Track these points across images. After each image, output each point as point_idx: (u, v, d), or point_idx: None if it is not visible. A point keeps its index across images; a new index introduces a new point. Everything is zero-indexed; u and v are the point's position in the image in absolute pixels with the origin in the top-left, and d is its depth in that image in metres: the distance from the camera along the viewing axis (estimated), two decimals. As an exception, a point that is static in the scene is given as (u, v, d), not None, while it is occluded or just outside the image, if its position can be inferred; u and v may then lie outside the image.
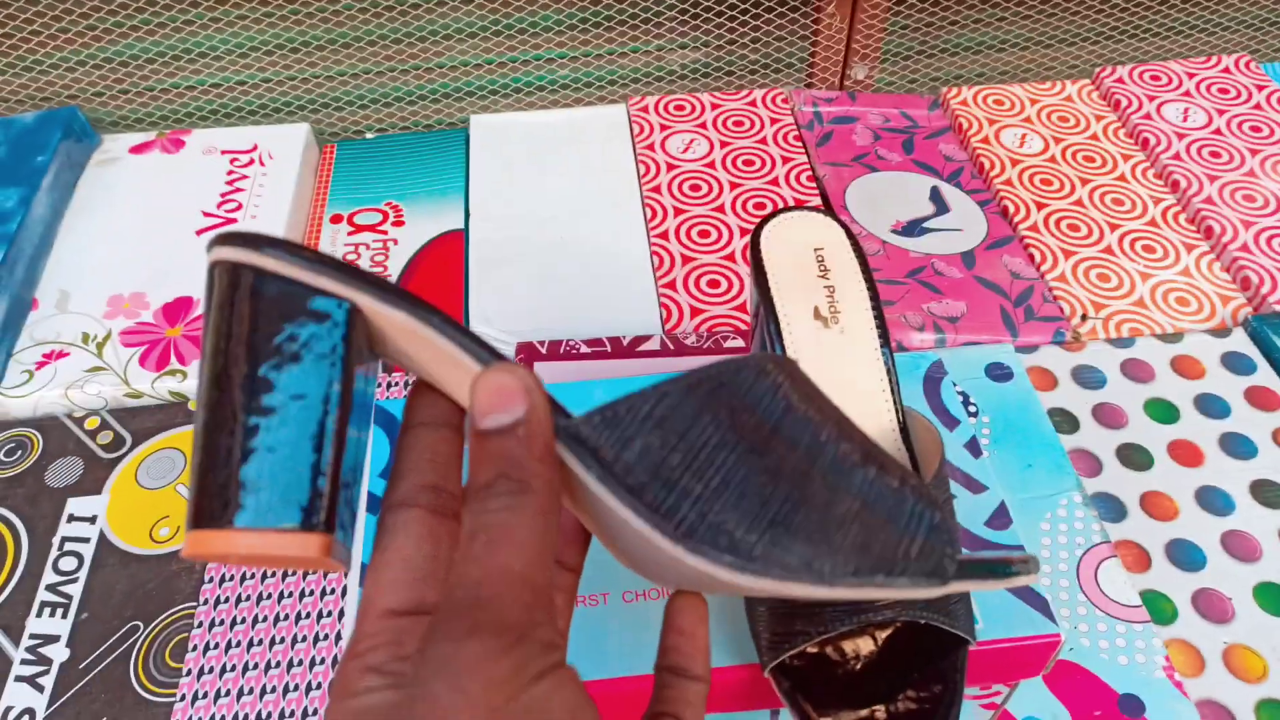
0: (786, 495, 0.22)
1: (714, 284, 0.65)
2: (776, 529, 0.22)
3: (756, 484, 0.22)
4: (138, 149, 0.74)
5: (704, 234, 0.69)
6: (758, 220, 0.45)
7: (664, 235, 0.69)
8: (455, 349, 0.22)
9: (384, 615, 0.22)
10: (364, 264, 0.67)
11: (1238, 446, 0.55)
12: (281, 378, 0.21)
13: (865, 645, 0.37)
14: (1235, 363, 0.59)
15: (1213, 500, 0.53)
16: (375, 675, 0.21)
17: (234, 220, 0.68)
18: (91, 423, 0.56)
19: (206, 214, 0.69)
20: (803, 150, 0.76)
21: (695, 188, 0.73)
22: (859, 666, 0.36)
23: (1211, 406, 0.57)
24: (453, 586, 0.20)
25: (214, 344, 0.21)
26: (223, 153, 0.74)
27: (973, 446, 0.44)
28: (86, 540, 0.51)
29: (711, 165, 0.74)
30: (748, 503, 0.22)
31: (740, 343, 0.59)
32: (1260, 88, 0.79)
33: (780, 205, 0.71)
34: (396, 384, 0.58)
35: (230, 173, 0.72)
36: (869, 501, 0.23)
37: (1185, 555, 0.50)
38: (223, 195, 0.70)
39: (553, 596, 0.22)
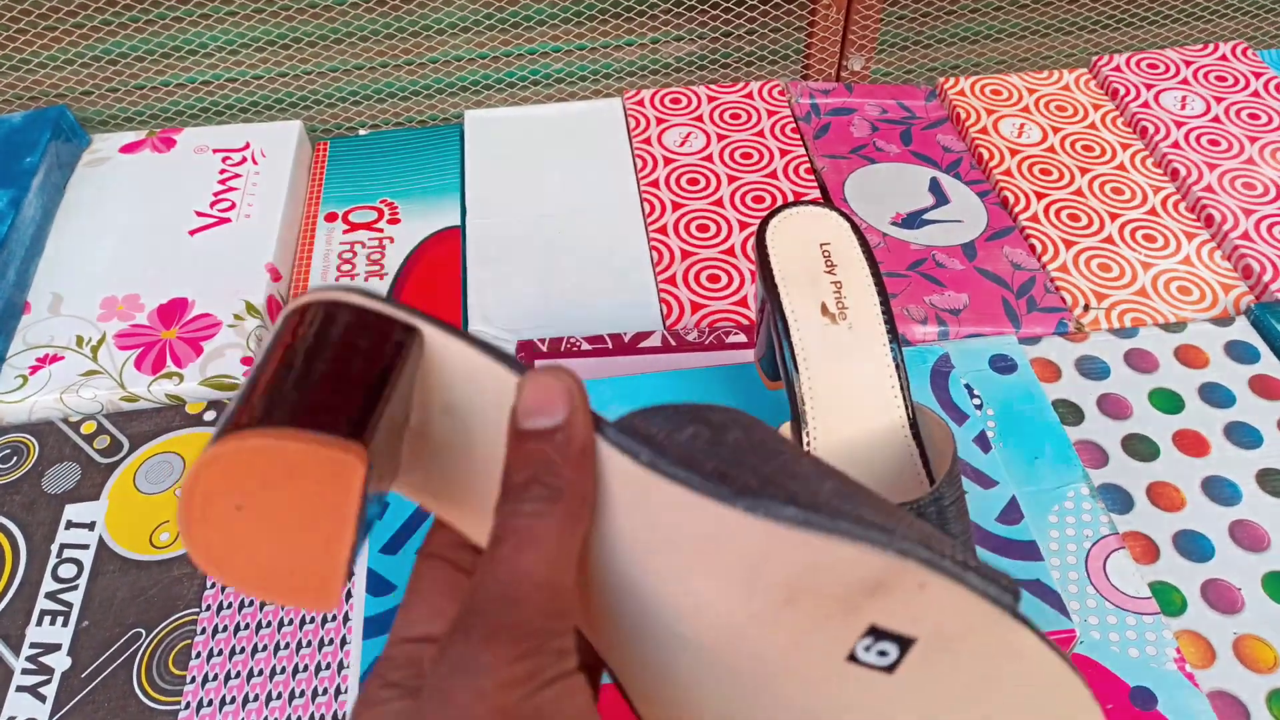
0: (843, 480, 0.22)
1: (714, 279, 0.65)
2: (840, 496, 0.21)
3: (814, 468, 0.22)
4: (128, 148, 0.73)
5: (703, 228, 0.69)
6: (757, 214, 0.44)
7: (662, 230, 0.68)
8: (498, 365, 0.22)
9: (404, 642, 0.23)
10: (360, 262, 0.66)
11: (1243, 435, 0.55)
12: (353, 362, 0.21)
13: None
14: (1238, 351, 0.59)
15: (1219, 490, 0.53)
16: (393, 689, 0.22)
17: (227, 220, 0.68)
18: (88, 427, 0.55)
19: (199, 214, 0.68)
20: (800, 143, 0.75)
21: (693, 181, 0.72)
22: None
23: (1216, 396, 0.57)
24: (477, 586, 0.21)
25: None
26: (214, 151, 0.73)
27: (981, 441, 0.44)
28: (86, 547, 0.50)
29: (709, 159, 0.74)
30: (808, 478, 0.21)
31: (742, 338, 0.58)
32: (1258, 75, 0.79)
33: (779, 198, 0.71)
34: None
35: (222, 171, 0.71)
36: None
37: (1193, 545, 0.50)
38: (215, 194, 0.70)
39: (574, 601, 0.22)
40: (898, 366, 0.40)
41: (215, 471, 0.19)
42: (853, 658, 0.21)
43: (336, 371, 0.21)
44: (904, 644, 0.20)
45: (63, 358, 0.59)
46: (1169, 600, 0.48)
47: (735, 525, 0.20)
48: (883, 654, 0.20)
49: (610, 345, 0.58)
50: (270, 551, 0.20)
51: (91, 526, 0.51)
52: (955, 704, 0.21)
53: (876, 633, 0.20)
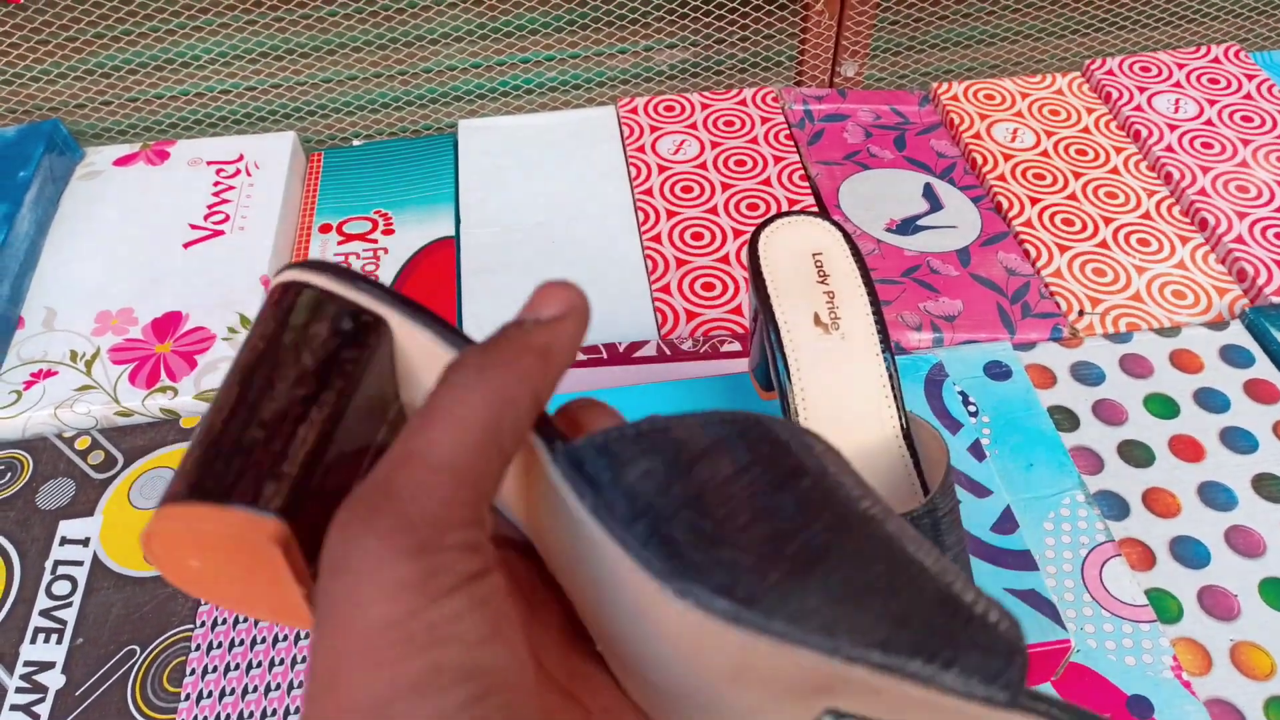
0: (808, 541, 0.18)
1: (709, 287, 0.65)
2: (790, 575, 0.18)
3: (771, 527, 0.19)
4: (122, 161, 0.73)
5: (697, 236, 0.68)
6: (751, 221, 0.44)
7: (657, 238, 0.68)
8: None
9: None
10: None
11: (1238, 440, 0.55)
12: (303, 378, 0.21)
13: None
14: (1233, 356, 0.59)
15: (1215, 495, 0.53)
16: None
17: (221, 232, 0.68)
18: (82, 443, 0.55)
19: (194, 226, 0.68)
20: (794, 149, 0.75)
21: (687, 189, 0.72)
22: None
23: (1211, 401, 0.57)
24: (373, 473, 0.18)
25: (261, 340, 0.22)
26: (208, 163, 0.73)
27: (976, 450, 0.44)
28: (80, 563, 0.50)
29: (703, 166, 0.74)
30: (758, 545, 0.18)
31: (737, 346, 0.58)
32: (1250, 77, 0.79)
33: (773, 206, 0.71)
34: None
35: (216, 183, 0.71)
36: (914, 573, 0.18)
37: (1189, 552, 0.50)
38: (209, 207, 0.69)
39: (487, 493, 0.18)
40: (891, 376, 0.40)
41: (157, 542, 0.20)
42: None
43: (276, 416, 0.20)
44: None
45: (56, 373, 0.59)
46: (1165, 608, 0.48)
47: (667, 605, 0.18)
48: None
49: (605, 355, 0.58)
50: (239, 588, 0.21)
51: (86, 543, 0.51)
52: None
53: (838, 714, 0.18)
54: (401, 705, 0.16)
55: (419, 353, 0.22)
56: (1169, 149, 0.73)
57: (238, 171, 0.72)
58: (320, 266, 0.22)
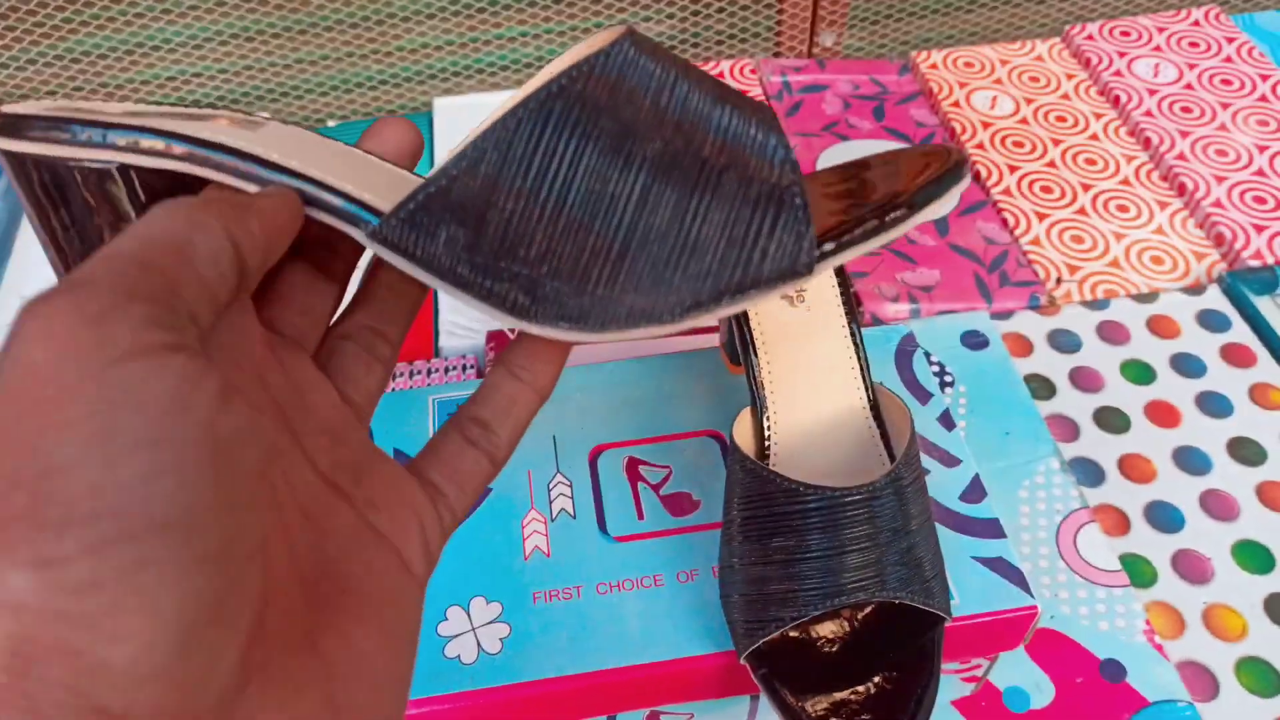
0: (609, 247, 0.22)
1: (686, 262, 0.65)
2: (604, 287, 0.22)
3: (574, 246, 0.22)
4: (94, 147, 0.73)
5: (674, 211, 0.68)
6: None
7: (634, 214, 0.68)
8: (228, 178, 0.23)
9: None
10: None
11: (1214, 405, 0.55)
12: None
13: (841, 628, 0.36)
14: (1211, 320, 0.59)
15: (1190, 460, 0.53)
16: None
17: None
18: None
19: (167, 211, 0.68)
20: (772, 121, 0.74)
21: (664, 164, 0.72)
22: (835, 649, 0.36)
23: (1188, 366, 0.57)
24: None
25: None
26: (182, 147, 0.72)
27: (945, 420, 0.44)
28: None
29: (680, 140, 0.73)
30: (570, 269, 0.22)
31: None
32: (1230, 40, 0.78)
33: (751, 179, 0.70)
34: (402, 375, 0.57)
35: (190, 168, 0.71)
36: (704, 215, 0.22)
37: (1164, 517, 0.50)
38: (183, 191, 0.69)
39: (183, 282, 0.18)
40: (857, 348, 0.40)
41: None
42: None
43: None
44: None
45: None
46: (1139, 572, 0.48)
47: (519, 325, 0.23)
48: None
49: (580, 333, 0.57)
50: None
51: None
52: None
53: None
54: (75, 471, 0.15)
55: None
56: (1148, 114, 0.72)
57: (211, 155, 0.72)
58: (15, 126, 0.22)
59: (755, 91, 0.77)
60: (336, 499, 0.22)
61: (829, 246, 0.22)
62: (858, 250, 0.22)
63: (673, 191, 0.22)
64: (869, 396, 0.39)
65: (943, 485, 0.42)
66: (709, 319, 0.21)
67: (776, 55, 0.83)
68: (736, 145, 0.22)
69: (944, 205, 0.24)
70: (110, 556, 0.15)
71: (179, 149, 0.22)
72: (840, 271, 0.41)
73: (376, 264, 0.26)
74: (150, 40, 0.74)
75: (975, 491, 0.41)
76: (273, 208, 0.22)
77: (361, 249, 0.25)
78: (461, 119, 0.75)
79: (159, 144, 0.22)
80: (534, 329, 0.22)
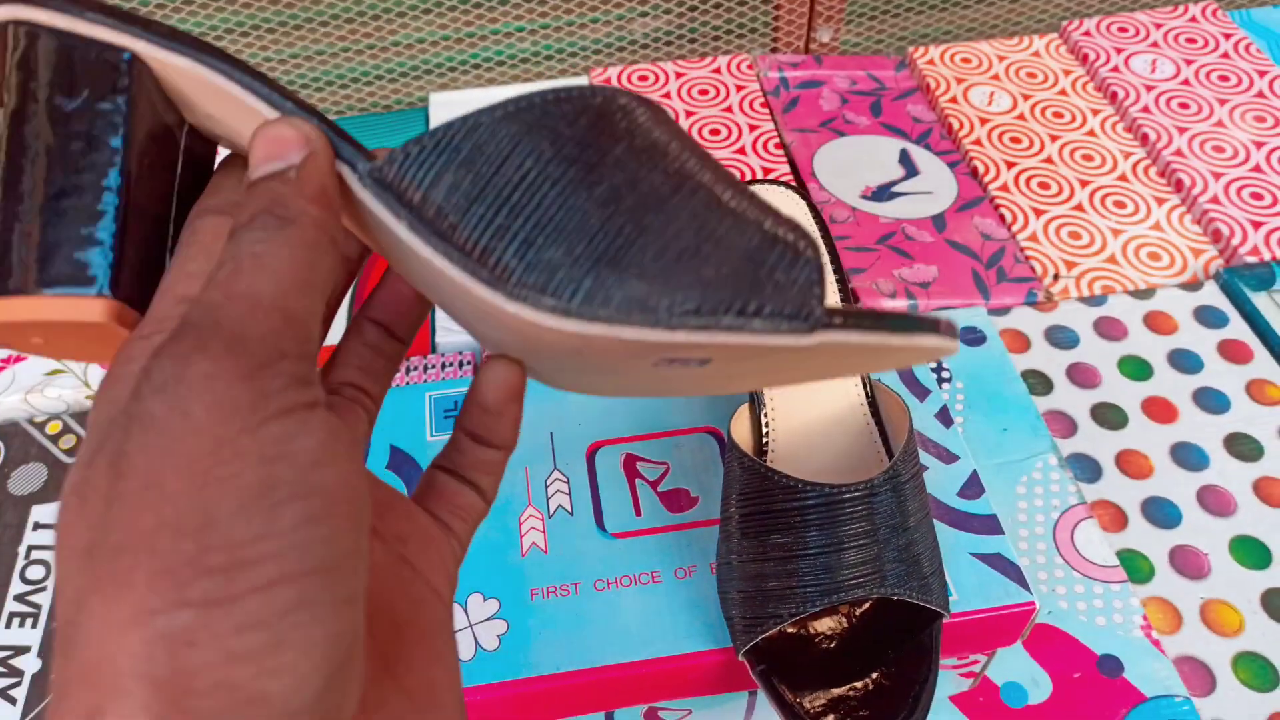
0: (620, 227, 0.20)
1: (683, 258, 0.65)
2: (605, 265, 0.19)
3: (583, 216, 0.20)
4: (89, 142, 0.72)
5: (672, 207, 0.68)
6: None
7: (631, 210, 0.68)
8: (245, 94, 0.21)
9: (181, 300, 0.20)
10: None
11: (1211, 401, 0.55)
12: (73, 144, 0.21)
13: (839, 624, 0.36)
14: (1207, 316, 0.59)
15: (1187, 456, 0.53)
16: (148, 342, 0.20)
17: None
18: (54, 427, 0.55)
19: (163, 207, 0.67)
20: (769, 117, 0.74)
21: (661, 160, 0.71)
22: (833, 646, 0.36)
23: (1184, 362, 0.57)
24: (193, 304, 0.18)
25: (11, 108, 0.22)
26: (177, 143, 0.72)
27: (943, 416, 0.44)
28: (54, 548, 0.50)
29: (677, 136, 0.73)
30: (573, 238, 0.19)
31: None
32: (1227, 36, 0.78)
33: (749, 174, 0.70)
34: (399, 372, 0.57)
35: (185, 163, 0.70)
36: (722, 232, 0.20)
37: (1161, 513, 0.50)
38: (179, 187, 0.69)
39: (315, 335, 0.19)
40: (856, 344, 0.40)
41: None
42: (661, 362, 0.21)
43: (62, 191, 0.21)
44: (704, 360, 0.21)
45: (25, 358, 0.58)
46: (1136, 568, 0.48)
47: (502, 308, 0.20)
48: (685, 364, 0.21)
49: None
50: (79, 346, 0.23)
51: (59, 527, 0.51)
52: (778, 370, 0.22)
53: (673, 360, 0.21)
54: (232, 520, 0.16)
55: (183, 79, 0.22)
56: (1145, 110, 0.72)
57: (207, 151, 0.71)
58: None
59: (752, 87, 0.77)
60: (375, 538, 0.22)
61: (838, 320, 0.19)
62: (864, 336, 0.19)
63: (703, 195, 0.20)
64: (867, 393, 0.39)
65: (941, 481, 0.42)
66: (702, 337, 0.19)
67: (773, 51, 0.83)
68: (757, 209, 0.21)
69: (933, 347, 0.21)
70: (274, 598, 0.16)
71: (189, 49, 0.21)
72: (839, 268, 0.41)
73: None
74: (145, 35, 0.73)
75: (973, 487, 0.41)
76: (328, 171, 0.21)
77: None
78: (458, 114, 0.75)
79: (173, 44, 0.21)
80: (510, 306, 0.20)
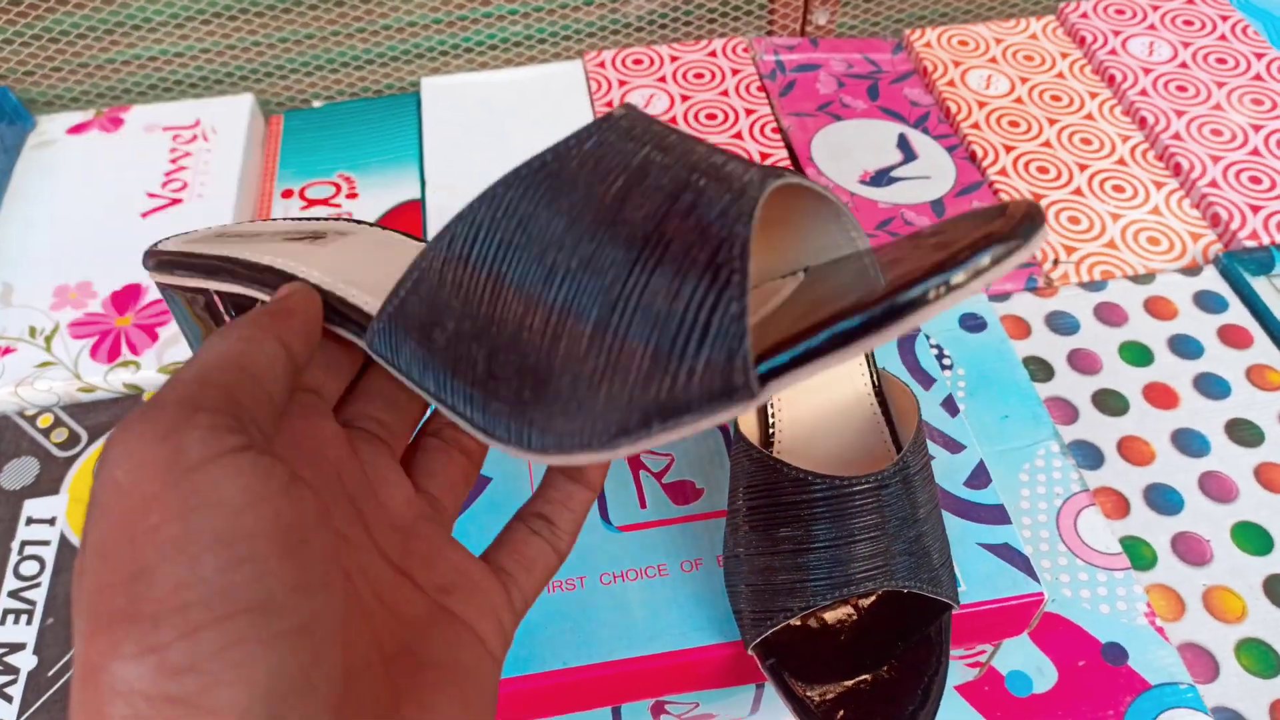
0: (535, 366, 0.21)
1: (681, 244, 0.64)
2: (536, 408, 0.21)
3: (507, 363, 0.22)
4: (75, 129, 0.71)
5: (669, 193, 0.67)
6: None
7: (628, 196, 0.67)
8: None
9: None
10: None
11: (1212, 386, 0.55)
12: None
13: (848, 617, 0.36)
14: (1207, 301, 0.59)
15: (1189, 442, 0.53)
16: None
17: (180, 200, 0.66)
18: (45, 420, 0.54)
19: (151, 195, 0.66)
20: (766, 101, 0.74)
21: (658, 145, 0.71)
22: (843, 638, 0.36)
23: (1185, 347, 0.57)
24: None
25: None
26: (164, 129, 0.71)
27: (949, 405, 0.44)
28: (47, 543, 0.49)
29: (673, 120, 0.72)
30: (502, 389, 0.22)
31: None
32: (1225, 18, 0.78)
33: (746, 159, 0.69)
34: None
35: (173, 150, 0.69)
36: (623, 338, 0.19)
37: (1163, 499, 0.50)
38: (167, 174, 0.68)
39: (246, 388, 0.21)
40: (862, 334, 0.40)
41: None
42: None
43: None
44: None
45: (15, 350, 0.57)
46: (1139, 555, 0.48)
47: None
48: None
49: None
50: None
51: (53, 522, 0.50)
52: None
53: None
54: (162, 570, 0.17)
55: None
56: (1143, 93, 0.72)
57: (195, 137, 0.70)
58: (170, 263, 0.28)
59: (748, 71, 0.76)
60: (409, 587, 0.24)
61: (781, 360, 0.17)
62: (810, 371, 0.17)
63: (594, 303, 0.20)
64: (874, 382, 0.39)
65: (947, 471, 0.41)
66: (645, 445, 0.19)
67: (769, 34, 0.82)
68: (691, 213, 0.20)
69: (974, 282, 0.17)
70: (203, 640, 0.17)
71: (236, 282, 0.27)
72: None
73: None
74: (131, 19, 0.72)
75: (980, 477, 0.41)
76: (303, 305, 0.24)
77: None
78: (450, 98, 0.74)
79: (221, 285, 0.28)
80: (501, 449, 0.22)
